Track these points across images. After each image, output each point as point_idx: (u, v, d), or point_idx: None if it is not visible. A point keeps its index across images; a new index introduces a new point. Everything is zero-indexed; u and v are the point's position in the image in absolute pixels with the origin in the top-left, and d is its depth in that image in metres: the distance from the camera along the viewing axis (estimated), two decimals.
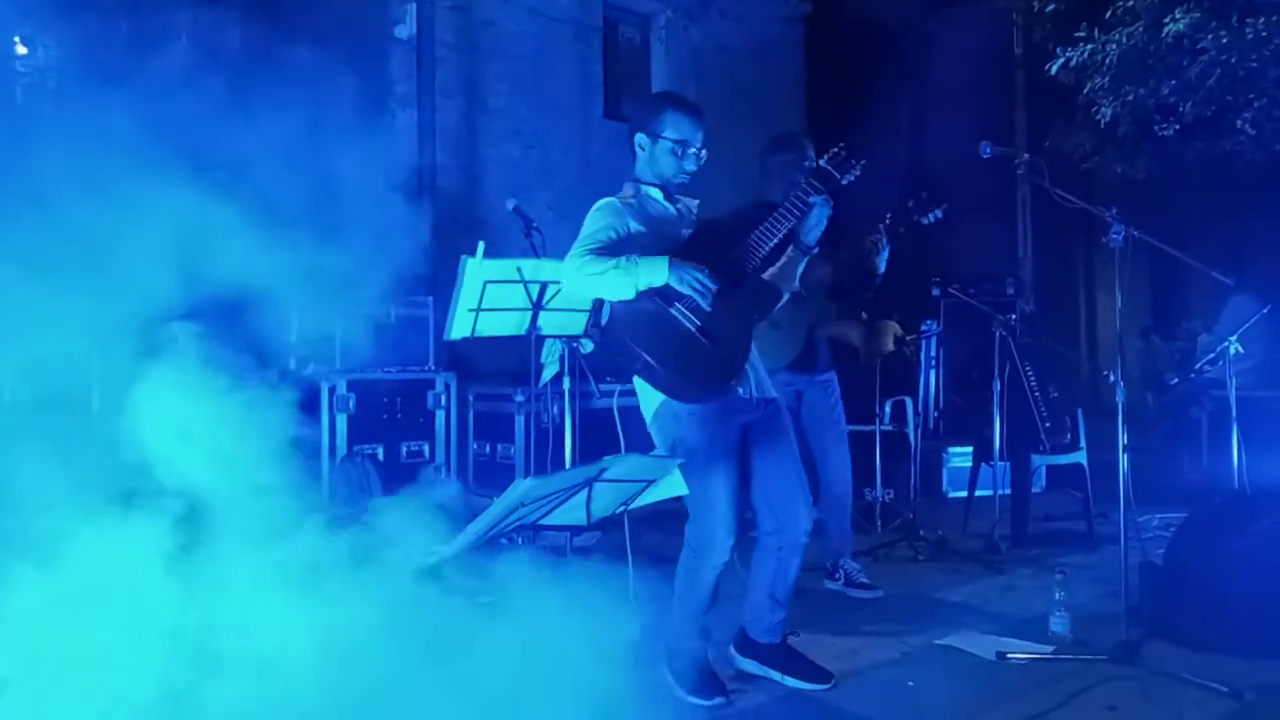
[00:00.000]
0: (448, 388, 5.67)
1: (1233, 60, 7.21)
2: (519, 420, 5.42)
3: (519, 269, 3.71)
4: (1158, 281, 11.30)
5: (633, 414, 2.97)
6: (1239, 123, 7.64)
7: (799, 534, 2.91)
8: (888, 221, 3.82)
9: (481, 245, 3.67)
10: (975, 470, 5.42)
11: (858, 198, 3.02)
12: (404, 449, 5.48)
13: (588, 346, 3.99)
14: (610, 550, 2.71)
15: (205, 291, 2.56)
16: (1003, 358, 4.88)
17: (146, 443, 2.41)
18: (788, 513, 2.90)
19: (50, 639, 2.26)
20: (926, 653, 3.29)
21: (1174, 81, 7.55)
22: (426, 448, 5.56)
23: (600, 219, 2.78)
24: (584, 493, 2.53)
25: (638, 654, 2.86)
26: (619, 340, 2.71)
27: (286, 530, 2.46)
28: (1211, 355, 4.99)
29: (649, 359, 2.66)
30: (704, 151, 2.89)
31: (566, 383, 3.91)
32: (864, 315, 4.86)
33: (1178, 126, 7.84)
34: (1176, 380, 6.49)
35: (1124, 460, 3.25)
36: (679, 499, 2.77)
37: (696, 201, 2.96)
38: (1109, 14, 7.74)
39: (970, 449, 5.80)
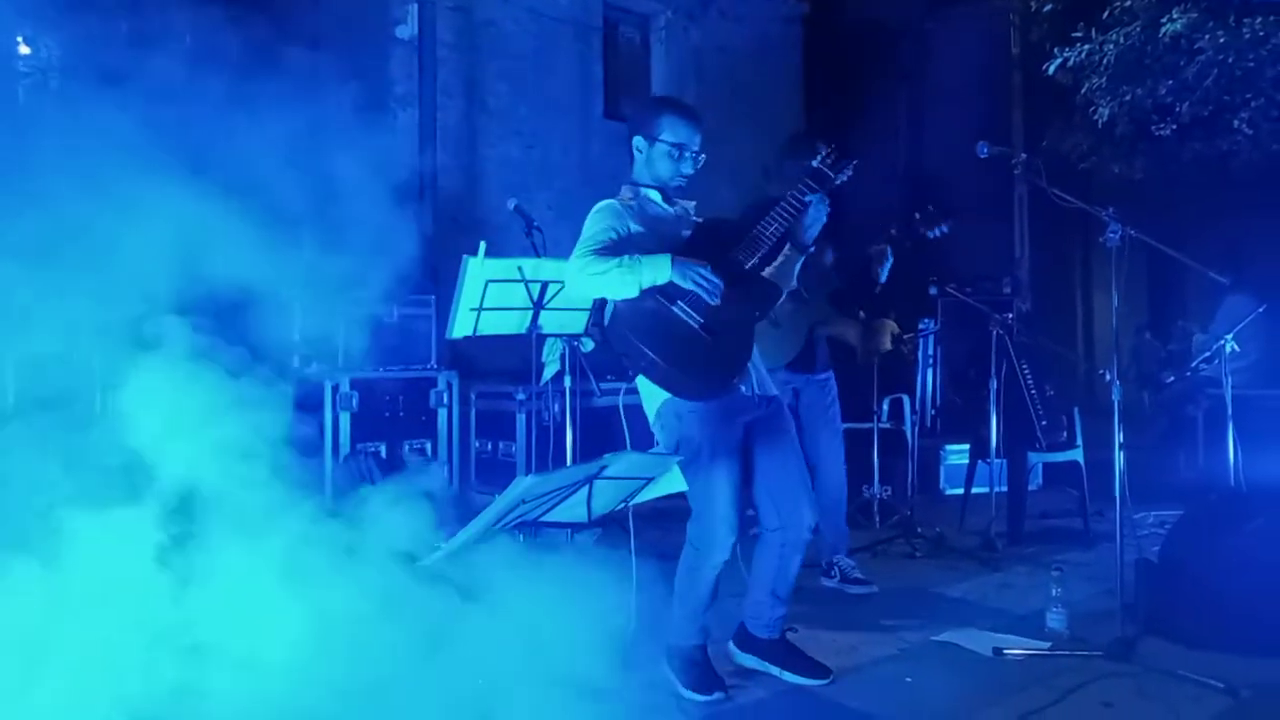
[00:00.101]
0: (450, 386, 5.69)
1: (1230, 60, 7.23)
2: (520, 418, 5.44)
3: (520, 268, 3.73)
4: (1155, 281, 11.31)
5: (636, 412, 2.99)
6: (1236, 123, 7.66)
7: (802, 530, 2.93)
8: (893, 233, 3.85)
9: (483, 245, 3.69)
10: (972, 468, 5.45)
11: (857, 197, 3.05)
12: (406, 447, 5.50)
13: (588, 345, 4.01)
14: (610, 547, 2.73)
15: (204, 289, 2.58)
16: (1000, 356, 4.90)
17: (134, 436, 2.42)
18: (792, 509, 2.92)
19: (41, 633, 2.29)
20: (924, 649, 3.31)
21: (1171, 81, 7.57)
22: (429, 446, 5.59)
23: (601, 220, 2.81)
24: (585, 490, 2.55)
25: (637, 650, 2.89)
26: (623, 339, 2.73)
27: (271, 523, 2.48)
28: (1207, 354, 5.01)
29: (654, 357, 2.69)
30: (702, 155, 2.93)
31: (567, 381, 3.93)
32: (861, 314, 4.88)
33: (1175, 126, 7.85)
34: (1173, 378, 6.51)
35: (1120, 458, 3.27)
36: (679, 496, 2.80)
37: (693, 203, 3.00)
38: (1106, 14, 7.76)
39: (967, 447, 5.84)
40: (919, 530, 4.87)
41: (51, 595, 2.32)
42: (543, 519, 2.59)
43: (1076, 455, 5.09)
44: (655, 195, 2.94)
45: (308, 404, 4.87)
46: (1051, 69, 8.16)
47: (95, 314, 2.45)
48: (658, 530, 3.79)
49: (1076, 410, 5.20)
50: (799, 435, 3.14)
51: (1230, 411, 4.72)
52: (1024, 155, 3.76)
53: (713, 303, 2.68)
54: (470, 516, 2.45)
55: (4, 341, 2.60)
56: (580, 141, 8.54)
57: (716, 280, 2.68)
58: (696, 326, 2.70)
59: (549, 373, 4.14)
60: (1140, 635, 3.22)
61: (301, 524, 2.52)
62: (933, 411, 7.52)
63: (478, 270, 3.68)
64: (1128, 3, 7.62)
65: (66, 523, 2.34)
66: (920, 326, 7.35)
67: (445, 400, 5.66)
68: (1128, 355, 10.20)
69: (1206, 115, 7.69)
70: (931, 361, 7.65)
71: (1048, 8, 8.65)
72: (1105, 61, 7.73)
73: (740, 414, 2.86)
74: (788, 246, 2.86)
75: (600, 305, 2.88)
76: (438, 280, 5.67)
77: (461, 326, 3.73)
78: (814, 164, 2.88)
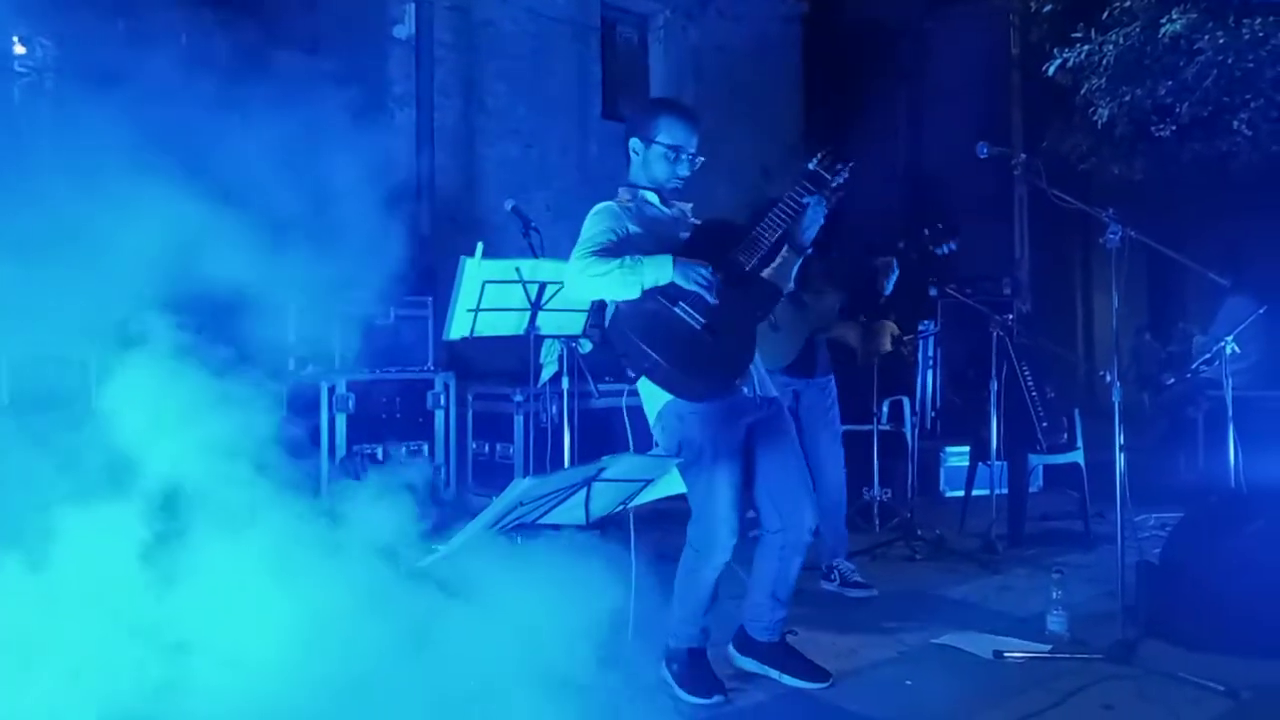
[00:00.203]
0: (447, 388, 5.68)
1: (1229, 61, 7.23)
2: (518, 420, 5.43)
3: (518, 269, 3.71)
4: (1155, 282, 11.31)
5: (639, 414, 2.98)
6: (1235, 123, 7.65)
7: (803, 533, 2.92)
8: (901, 247, 3.86)
9: (480, 245, 3.68)
10: (972, 470, 5.43)
11: (857, 197, 3.04)
12: (404, 449, 5.48)
13: (586, 346, 4.00)
14: (608, 548, 2.72)
15: (200, 290, 2.57)
16: (1000, 358, 4.89)
17: (120, 435, 2.41)
18: (793, 511, 2.91)
19: (27, 631, 2.28)
20: (924, 651, 3.30)
21: (1171, 82, 7.56)
22: (426, 447, 5.57)
23: (600, 222, 2.80)
24: (583, 492, 2.54)
25: (636, 653, 2.88)
26: (625, 340, 2.72)
27: (253, 522, 2.46)
28: (1208, 355, 5.00)
29: (656, 358, 2.68)
30: (699, 158, 2.92)
31: (565, 382, 3.91)
32: (861, 316, 4.88)
33: (1174, 127, 7.85)
34: (1173, 380, 6.50)
35: (1121, 460, 3.26)
36: (679, 498, 2.78)
37: (691, 205, 3.00)
38: (1106, 15, 7.76)
39: (967, 449, 5.82)
40: (919, 532, 4.86)
41: (38, 593, 2.31)
42: (541, 521, 2.57)
43: (1077, 457, 5.08)
44: (653, 197, 2.93)
45: (297, 405, 4.85)
46: (1051, 69, 8.16)
47: (88, 314, 2.43)
48: (657, 532, 3.78)
49: (1077, 412, 5.19)
50: (799, 438, 3.13)
51: (1231, 413, 4.72)
52: (1023, 156, 3.76)
53: (713, 302, 2.67)
54: (468, 518, 2.44)
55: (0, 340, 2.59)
56: (578, 142, 8.53)
57: (718, 277, 2.67)
58: (698, 327, 2.70)
59: (547, 374, 4.12)
60: (1141, 637, 3.21)
61: (284, 522, 2.50)
62: (933, 413, 7.51)
63: (475, 271, 3.66)
64: (1127, 3, 7.62)
65: (54, 521, 2.33)
66: (920, 328, 7.35)
67: (442, 402, 5.65)
68: (1127, 356, 10.19)
69: (1206, 116, 7.69)
70: (931, 363, 7.65)
71: (1047, 8, 8.65)
72: (1105, 62, 7.73)
73: (742, 415, 2.86)
74: (785, 248, 2.86)
75: (599, 307, 2.87)
76: (435, 281, 5.66)
77: (459, 327, 3.71)
78: (810, 166, 2.88)
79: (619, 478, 2.56)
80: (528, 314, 3.78)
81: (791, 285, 2.97)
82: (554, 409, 4.62)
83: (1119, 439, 3.27)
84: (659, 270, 2.67)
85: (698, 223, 2.97)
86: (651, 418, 2.88)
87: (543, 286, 3.75)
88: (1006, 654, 3.20)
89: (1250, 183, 8.34)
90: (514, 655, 2.46)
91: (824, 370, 4.08)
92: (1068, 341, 11.67)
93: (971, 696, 2.86)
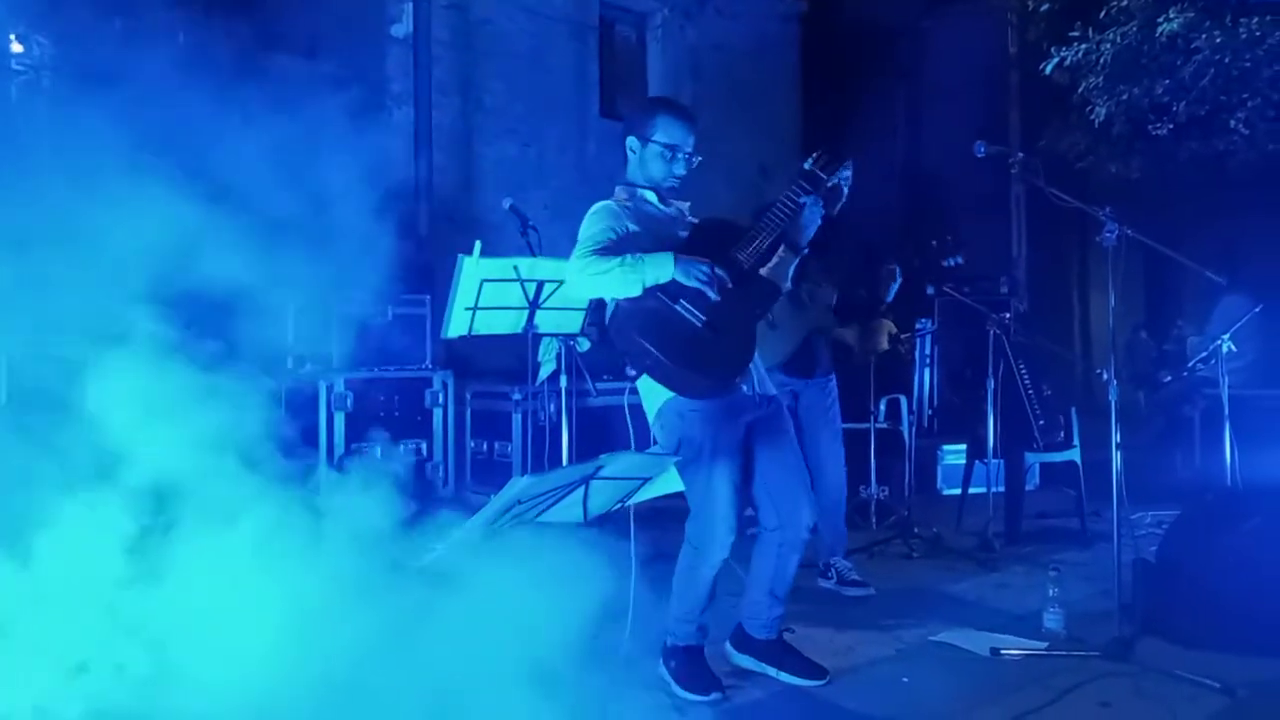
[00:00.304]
0: (445, 386, 5.68)
1: (1226, 60, 7.24)
2: (516, 418, 5.43)
3: (516, 267, 3.71)
4: (1151, 280, 11.31)
5: (640, 413, 2.97)
6: (1232, 122, 7.66)
7: (801, 530, 2.93)
8: (906, 255, 3.88)
9: (478, 244, 3.68)
10: (969, 468, 5.44)
11: (854, 196, 3.05)
12: (402, 447, 5.48)
13: (584, 345, 4.00)
14: (607, 547, 2.72)
15: (194, 287, 2.57)
16: (997, 356, 4.90)
17: (107, 432, 2.41)
18: (791, 508, 2.92)
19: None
20: (921, 649, 3.31)
21: (1168, 81, 7.57)
22: (424, 446, 5.57)
23: (599, 221, 2.80)
24: (581, 490, 2.54)
25: (634, 650, 2.88)
26: (626, 338, 2.73)
27: (237, 515, 2.46)
28: (1204, 354, 5.02)
29: (658, 355, 2.68)
30: (696, 156, 2.92)
31: (563, 381, 3.90)
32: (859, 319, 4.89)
33: (1171, 126, 7.86)
34: (1170, 378, 6.52)
35: (1117, 458, 3.27)
36: (677, 496, 2.79)
37: (688, 204, 3.01)
38: (1103, 14, 7.76)
39: (964, 447, 5.83)
40: (916, 530, 4.87)
41: (28, 589, 2.32)
42: (539, 519, 2.57)
43: (1074, 455, 5.09)
44: (650, 196, 2.94)
45: (292, 405, 4.85)
46: (1049, 68, 8.17)
47: (85, 313, 2.43)
48: (656, 529, 3.78)
49: (1073, 410, 5.20)
50: (799, 437, 3.14)
51: (1227, 411, 4.73)
52: (1021, 154, 3.76)
53: (715, 298, 2.68)
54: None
55: None
56: (576, 140, 8.53)
57: (721, 274, 2.68)
58: (699, 325, 2.70)
59: (545, 372, 4.12)
60: (1137, 635, 3.22)
61: (269, 516, 2.49)
62: (930, 411, 7.53)
63: (473, 269, 3.66)
64: (1125, 2, 7.63)
65: (43, 516, 2.34)
66: (917, 326, 7.36)
67: (440, 400, 5.65)
68: (1123, 354, 10.20)
69: (1203, 115, 7.70)
70: (928, 361, 7.66)
71: (1045, 7, 8.65)
72: (1102, 61, 7.74)
73: (741, 413, 2.86)
74: (783, 248, 2.86)
75: (597, 305, 2.88)
76: (433, 280, 5.66)
77: (456, 326, 3.71)
78: (806, 166, 2.89)
79: (617, 476, 2.57)
80: (526, 312, 3.77)
81: (789, 285, 2.98)
82: (552, 407, 4.63)
83: (1115, 437, 3.27)
84: (660, 268, 2.67)
85: (695, 221, 2.97)
86: (651, 415, 2.89)
87: (541, 285, 3.74)
88: (1003, 651, 3.20)
89: (1247, 181, 8.35)
90: (511, 652, 2.46)
91: (824, 370, 4.09)
92: (1065, 340, 11.66)
93: (968, 694, 2.87)
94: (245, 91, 2.80)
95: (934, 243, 3.89)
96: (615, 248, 2.73)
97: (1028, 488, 5.39)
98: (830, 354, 4.15)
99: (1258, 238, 7.87)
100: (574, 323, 3.89)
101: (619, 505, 2.73)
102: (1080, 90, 8.09)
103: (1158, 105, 7.79)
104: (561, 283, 3.52)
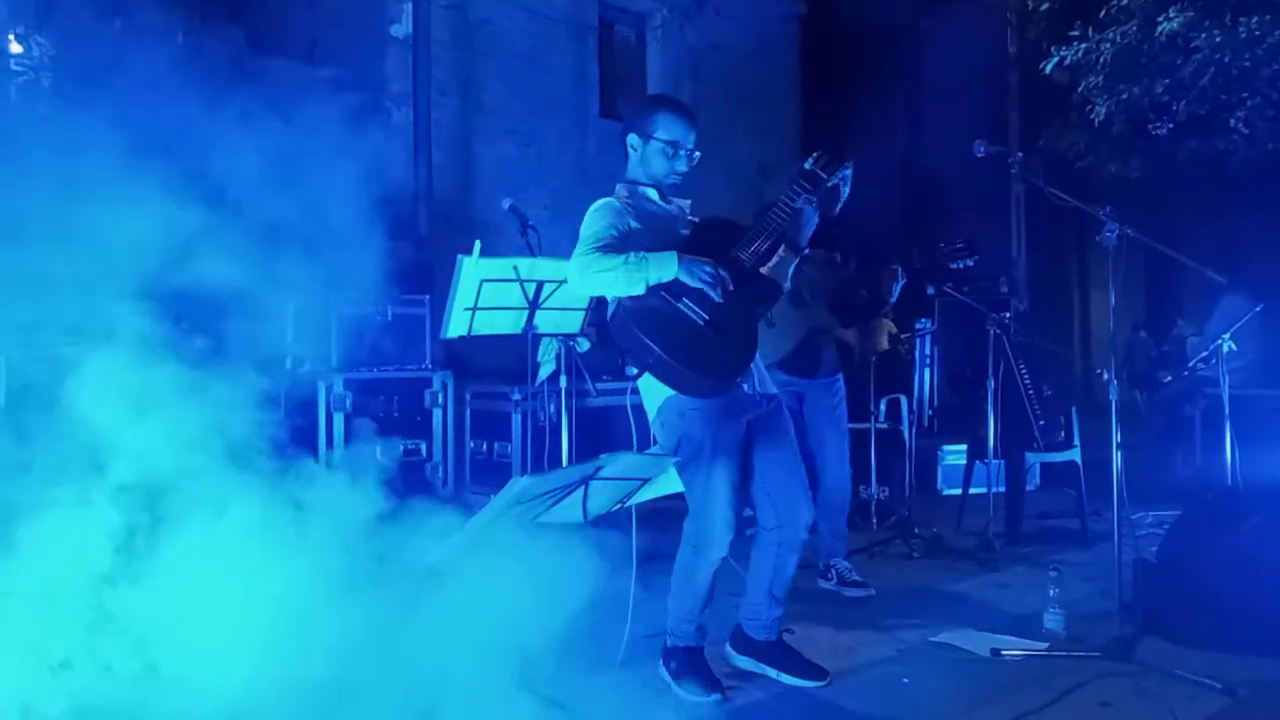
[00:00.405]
0: (445, 386, 5.67)
1: (1226, 59, 7.23)
2: (516, 419, 5.42)
3: (515, 268, 3.71)
4: (1151, 280, 11.32)
5: (640, 412, 2.97)
6: (1232, 122, 7.65)
7: (799, 530, 2.92)
8: (911, 256, 3.87)
9: (478, 244, 3.68)
10: (969, 468, 5.44)
11: (854, 196, 3.05)
12: (401, 448, 5.48)
13: (584, 345, 4.00)
14: (606, 547, 2.72)
15: (193, 287, 2.56)
16: (997, 356, 4.89)
17: (93, 429, 2.41)
18: (789, 508, 2.91)
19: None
20: (921, 649, 3.30)
21: (1168, 80, 7.56)
22: (424, 446, 5.57)
23: (601, 219, 2.80)
24: (580, 491, 2.54)
25: (634, 651, 2.88)
26: (629, 336, 2.72)
27: (219, 511, 2.46)
28: (1205, 353, 5.01)
29: (660, 353, 2.68)
30: (696, 153, 2.92)
31: (563, 381, 3.90)
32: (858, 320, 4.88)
33: (1171, 125, 7.85)
34: (1170, 378, 6.51)
35: (1117, 458, 3.26)
36: (676, 497, 2.79)
37: (689, 202, 3.00)
38: (1103, 13, 7.75)
39: (964, 447, 5.83)
40: (916, 531, 4.87)
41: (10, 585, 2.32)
42: (539, 520, 2.57)
43: (1074, 455, 5.09)
44: (652, 193, 2.94)
45: (291, 405, 4.84)
46: (1048, 68, 8.16)
47: (82, 311, 2.43)
48: (655, 529, 3.78)
49: (1074, 410, 5.20)
50: (804, 437, 3.14)
51: (1227, 411, 4.73)
52: (1021, 154, 3.76)
53: (717, 298, 2.67)
54: (466, 518, 2.43)
55: None
56: (576, 140, 8.52)
57: (724, 273, 2.68)
58: (701, 324, 2.70)
59: (544, 373, 4.13)
60: (1138, 635, 3.21)
61: (253, 512, 2.49)
62: (930, 412, 7.53)
63: (472, 269, 3.66)
64: (1124, 2, 7.61)
65: (31, 513, 2.34)
66: (917, 326, 7.36)
67: (440, 400, 5.64)
68: (1123, 354, 10.20)
69: (1203, 114, 7.69)
70: (929, 361, 7.66)
71: (1045, 7, 8.64)
72: (1102, 60, 7.73)
73: (742, 412, 2.86)
74: (783, 247, 2.86)
75: (598, 305, 2.87)
76: (432, 280, 5.65)
77: (456, 326, 3.71)
78: (806, 165, 2.89)
79: (617, 476, 2.57)
80: (525, 313, 3.77)
81: (788, 284, 2.97)
82: (552, 407, 4.63)
83: (1116, 437, 3.27)
84: (664, 267, 2.67)
85: (696, 220, 2.97)
86: (652, 414, 2.88)
87: (540, 285, 3.74)
88: (1004, 652, 3.20)
89: (1247, 181, 8.34)
90: (511, 653, 2.46)
91: (829, 370, 4.07)
92: (1065, 340, 11.67)
93: (969, 694, 2.87)
94: (245, 91, 2.80)
95: (942, 245, 3.88)
96: (617, 245, 2.72)
97: (1028, 488, 5.39)
98: (835, 354, 4.13)
99: (1258, 237, 7.87)
100: (574, 323, 3.89)
101: (619, 506, 2.73)
102: (1080, 90, 8.09)
103: (1158, 104, 7.78)
104: (561, 283, 3.52)
